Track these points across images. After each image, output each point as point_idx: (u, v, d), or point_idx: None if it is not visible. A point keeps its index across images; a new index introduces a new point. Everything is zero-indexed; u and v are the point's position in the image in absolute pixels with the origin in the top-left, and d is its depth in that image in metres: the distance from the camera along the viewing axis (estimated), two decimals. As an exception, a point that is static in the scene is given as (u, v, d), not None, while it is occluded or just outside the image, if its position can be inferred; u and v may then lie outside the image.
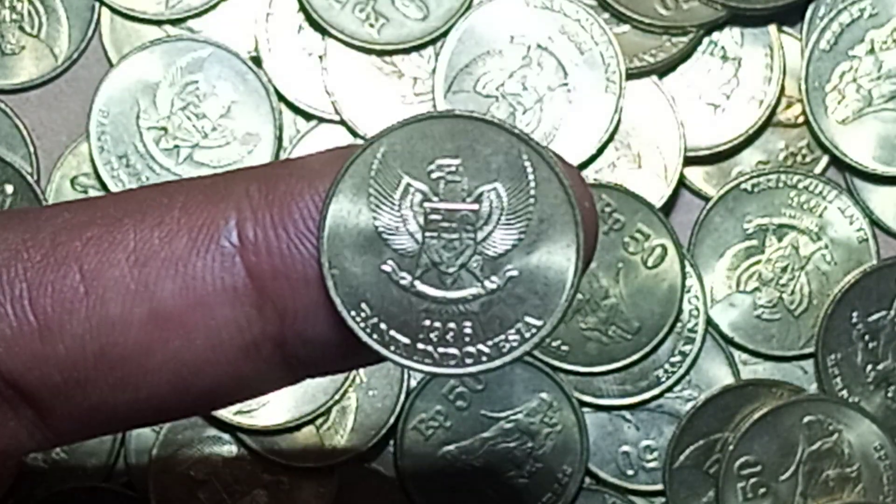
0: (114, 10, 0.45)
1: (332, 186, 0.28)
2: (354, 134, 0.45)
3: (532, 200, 0.28)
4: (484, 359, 0.28)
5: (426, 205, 0.28)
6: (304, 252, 0.28)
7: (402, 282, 0.28)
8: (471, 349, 0.28)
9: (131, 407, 0.29)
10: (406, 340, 0.28)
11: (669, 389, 0.44)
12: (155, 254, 0.28)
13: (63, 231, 0.29)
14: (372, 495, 0.44)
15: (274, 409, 0.43)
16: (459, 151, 0.28)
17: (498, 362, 0.28)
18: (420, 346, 0.28)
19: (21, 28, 0.45)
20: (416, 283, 0.28)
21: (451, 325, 0.28)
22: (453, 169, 0.28)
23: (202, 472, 0.44)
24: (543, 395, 0.44)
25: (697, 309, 0.44)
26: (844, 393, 0.44)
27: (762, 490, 0.43)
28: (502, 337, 0.28)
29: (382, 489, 0.44)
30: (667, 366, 0.44)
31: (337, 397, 0.43)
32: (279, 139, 0.44)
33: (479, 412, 0.44)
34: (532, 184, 0.28)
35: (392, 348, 0.28)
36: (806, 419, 0.43)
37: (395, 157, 0.28)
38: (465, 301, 0.28)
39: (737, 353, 0.45)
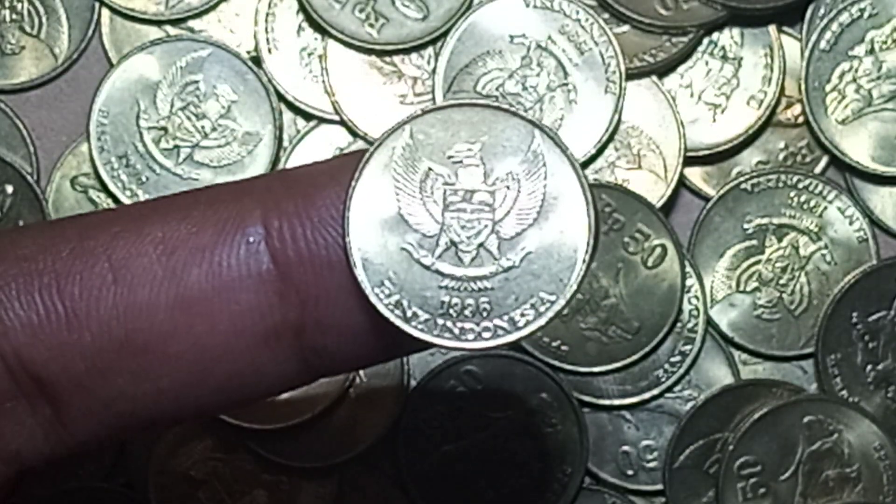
0: (114, 10, 0.45)
1: (356, 171, 0.29)
2: (354, 134, 0.45)
3: (545, 182, 0.29)
4: (501, 333, 0.29)
5: (446, 187, 0.29)
6: (329, 238, 0.29)
7: (424, 260, 0.29)
8: (488, 324, 0.29)
9: (149, 399, 0.30)
10: (426, 316, 0.29)
11: (669, 389, 0.44)
12: (182, 243, 0.29)
13: (90, 227, 0.30)
14: (372, 495, 0.44)
15: (275, 409, 0.43)
16: (477, 137, 0.29)
17: (514, 336, 0.29)
18: (440, 321, 0.29)
19: (21, 28, 0.45)
20: (437, 261, 0.29)
21: (470, 301, 0.29)
22: (472, 153, 0.29)
23: (202, 472, 0.44)
24: (543, 395, 0.44)
25: (697, 309, 0.44)
26: (844, 393, 0.44)
27: (762, 490, 0.43)
28: (518, 312, 0.29)
29: (382, 489, 0.44)
30: (667, 366, 0.44)
31: (337, 397, 0.43)
32: (279, 139, 0.44)
33: (479, 412, 0.44)
34: (545, 167, 0.29)
35: (413, 324, 0.29)
36: (806, 419, 0.43)
37: (417, 144, 0.29)
38: (482, 278, 0.29)
39: (737, 353, 0.45)
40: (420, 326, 0.29)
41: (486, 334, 0.29)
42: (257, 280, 0.29)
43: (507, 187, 0.29)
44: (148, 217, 0.30)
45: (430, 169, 0.29)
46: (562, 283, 0.29)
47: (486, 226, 0.29)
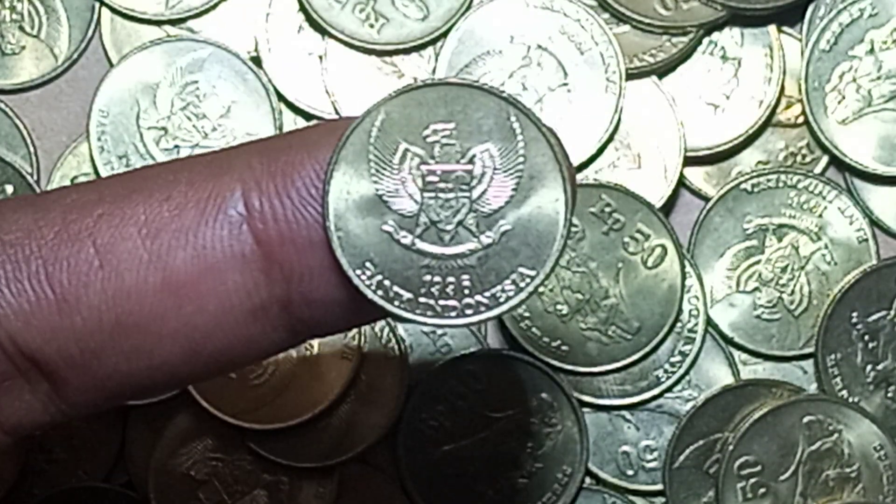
0: (114, 10, 0.45)
1: (333, 154, 0.29)
2: (354, 134, 0.45)
3: (521, 159, 0.30)
4: (482, 309, 0.30)
5: (423, 167, 0.30)
6: (309, 217, 0.30)
7: (404, 240, 0.30)
8: (470, 301, 0.30)
9: (144, 374, 0.31)
10: (409, 295, 0.29)
11: (669, 389, 0.44)
12: (165, 226, 0.30)
13: (73, 209, 0.30)
14: (372, 495, 0.44)
15: (275, 409, 0.43)
16: (452, 116, 0.30)
17: (495, 311, 0.30)
18: (422, 300, 0.30)
19: (21, 28, 0.45)
20: (417, 241, 0.30)
21: (451, 279, 0.30)
22: (447, 133, 0.30)
23: (202, 472, 0.44)
24: (543, 395, 0.44)
25: (697, 309, 0.44)
26: (844, 393, 0.44)
27: (762, 490, 0.43)
28: (499, 288, 0.30)
29: (382, 489, 0.44)
30: (667, 366, 0.44)
31: (337, 397, 0.43)
32: (279, 139, 0.44)
33: (479, 412, 0.44)
34: (521, 143, 0.30)
35: (396, 303, 0.30)
36: (806, 419, 0.43)
37: (393, 125, 0.30)
38: (462, 256, 0.30)
39: (737, 353, 0.45)
40: (403, 305, 0.29)
41: (468, 311, 0.29)
42: (242, 260, 0.30)
43: (484, 165, 0.30)
44: (130, 197, 0.30)
45: (406, 149, 0.30)
46: (540, 258, 0.29)
47: (464, 204, 0.30)
